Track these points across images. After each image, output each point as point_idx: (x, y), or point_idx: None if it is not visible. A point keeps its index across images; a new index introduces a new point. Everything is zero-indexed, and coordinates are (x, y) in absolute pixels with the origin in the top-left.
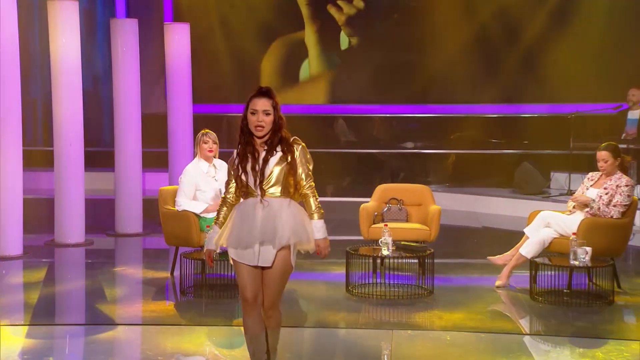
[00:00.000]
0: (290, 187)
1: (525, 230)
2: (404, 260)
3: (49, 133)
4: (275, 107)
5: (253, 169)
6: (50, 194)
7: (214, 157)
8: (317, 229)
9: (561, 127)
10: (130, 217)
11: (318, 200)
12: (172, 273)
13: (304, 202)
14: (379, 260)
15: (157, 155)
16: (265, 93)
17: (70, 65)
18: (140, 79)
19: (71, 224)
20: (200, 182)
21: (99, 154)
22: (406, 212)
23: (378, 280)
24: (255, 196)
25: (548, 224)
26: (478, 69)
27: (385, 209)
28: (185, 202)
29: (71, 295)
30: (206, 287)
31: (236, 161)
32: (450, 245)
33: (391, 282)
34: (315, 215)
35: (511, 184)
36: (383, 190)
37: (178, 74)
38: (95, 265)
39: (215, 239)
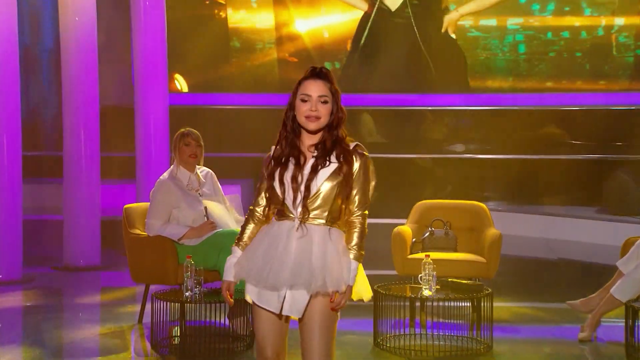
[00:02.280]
0: (338, 212)
1: (618, 264)
2: (452, 304)
3: None
4: (334, 95)
5: (294, 180)
6: None
7: (198, 165)
8: (346, 269)
9: None
10: (84, 245)
11: (365, 235)
12: (140, 320)
13: (346, 232)
14: (418, 304)
15: (121, 162)
16: (323, 75)
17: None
18: (99, 60)
19: (2, 255)
20: (180, 199)
21: (42, 160)
22: (455, 238)
23: (417, 331)
24: (291, 219)
25: None
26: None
27: (427, 233)
28: (159, 226)
29: None
30: (188, 339)
31: (271, 164)
32: (515, 284)
33: (435, 332)
34: (352, 253)
35: (599, 202)
36: (424, 208)
37: (149, 52)
38: (32, 311)
39: (235, 269)
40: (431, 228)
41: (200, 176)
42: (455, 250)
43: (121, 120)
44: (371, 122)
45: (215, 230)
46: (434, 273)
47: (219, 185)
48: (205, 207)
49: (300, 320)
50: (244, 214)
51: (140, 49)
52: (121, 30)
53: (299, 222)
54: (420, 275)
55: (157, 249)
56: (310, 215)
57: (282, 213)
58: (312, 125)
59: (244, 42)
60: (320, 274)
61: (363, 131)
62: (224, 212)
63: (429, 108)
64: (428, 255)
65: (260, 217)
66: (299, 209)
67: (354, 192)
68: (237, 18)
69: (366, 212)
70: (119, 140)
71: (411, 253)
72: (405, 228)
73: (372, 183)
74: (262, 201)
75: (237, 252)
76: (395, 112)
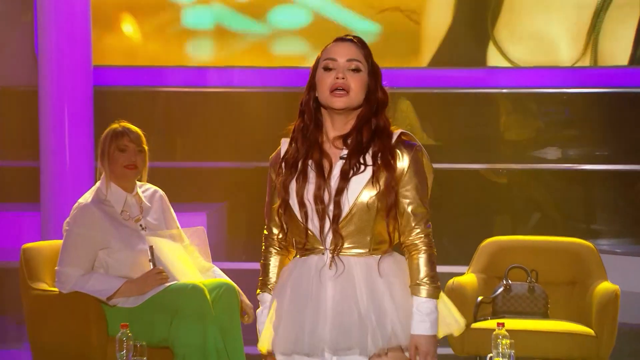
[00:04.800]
0: (387, 234)
1: None
2: None
3: None
4: (372, 66)
5: (319, 199)
6: None
7: (139, 181)
8: (420, 314)
9: None
10: None
11: (435, 260)
12: None
13: (406, 259)
14: None
15: (17, 176)
16: (352, 38)
17: None
18: None
19: None
20: (110, 234)
21: None
22: (545, 297)
23: None
24: (319, 252)
25: None
26: None
27: (501, 289)
28: (78, 277)
29: None
30: None
31: (282, 169)
32: None
33: None
34: (423, 290)
35: None
36: (495, 249)
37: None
38: None
39: (263, 333)
40: (507, 281)
41: (143, 198)
42: (546, 317)
43: (19, 109)
44: (411, 113)
45: (166, 284)
46: (512, 352)
47: (173, 212)
48: (151, 247)
49: None
50: (212, 257)
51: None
52: None
53: (330, 255)
54: (489, 356)
55: (75, 314)
56: (346, 244)
57: (306, 245)
58: (338, 102)
59: None
60: (378, 327)
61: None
62: (180, 255)
63: (504, 90)
64: (502, 324)
65: (278, 248)
66: (329, 237)
67: (406, 202)
68: None
69: (429, 225)
70: (15, 141)
71: (475, 320)
72: (467, 280)
73: (428, 186)
74: (275, 227)
75: (267, 299)
76: (449, 96)
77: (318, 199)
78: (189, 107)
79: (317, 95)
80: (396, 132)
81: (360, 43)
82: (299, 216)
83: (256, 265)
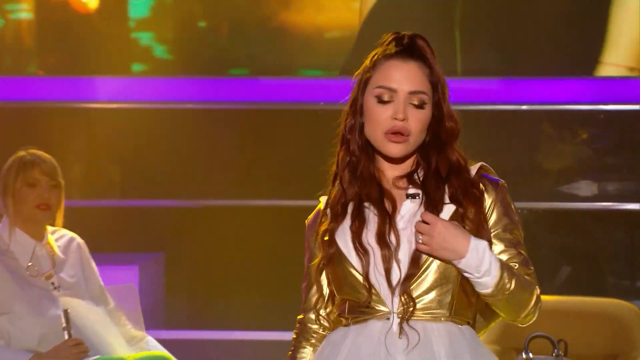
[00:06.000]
0: (472, 296)
1: None
2: None
3: None
4: (439, 89)
5: (383, 240)
6: None
7: (52, 225)
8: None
9: None
10: None
11: (532, 287)
12: None
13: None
14: None
15: None
16: (417, 50)
17: None
18: None
19: None
20: (13, 294)
21: None
22: None
23: None
24: (382, 316)
25: None
26: None
27: None
28: None
29: None
30: None
31: (326, 228)
32: None
33: None
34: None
35: None
36: None
37: None
38: None
39: None
40: (527, 354)
41: (56, 248)
42: None
43: None
44: None
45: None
46: None
47: (94, 266)
48: (66, 312)
49: None
50: (145, 324)
51: None
52: None
53: (399, 320)
54: None
55: None
56: (419, 306)
57: (361, 307)
58: (394, 149)
59: None
60: None
61: None
62: (104, 321)
63: (523, 107)
64: None
65: (321, 333)
66: (397, 296)
67: (500, 246)
68: None
69: (532, 269)
70: None
71: None
72: None
73: (519, 230)
74: (320, 303)
75: None
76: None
77: (382, 240)
78: (118, 129)
79: (364, 122)
80: (475, 166)
81: (425, 58)
82: (356, 266)
83: (201, 334)
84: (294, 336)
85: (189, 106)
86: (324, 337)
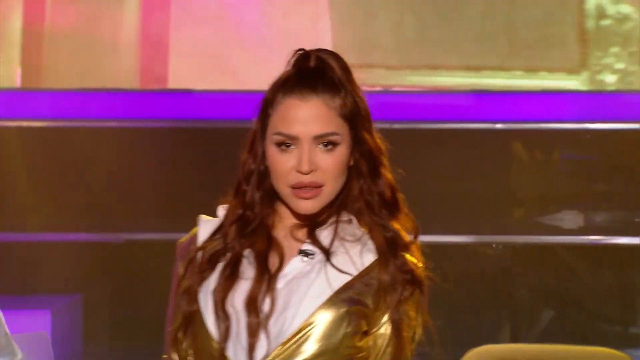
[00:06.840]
0: None
1: None
2: None
3: None
4: (354, 119)
5: (252, 305)
6: None
7: None
8: None
9: None
10: None
11: None
12: None
13: None
14: None
15: None
16: (321, 78)
17: None
18: None
19: None
20: None
21: None
22: None
23: None
24: None
25: None
26: None
27: None
28: None
29: None
30: None
31: (196, 260)
32: None
33: None
34: None
35: None
36: None
37: None
38: None
39: None
40: None
41: None
42: None
43: None
44: None
45: None
46: None
47: None
48: None
49: None
50: None
51: None
52: None
53: None
54: None
55: None
56: None
57: None
58: (304, 207)
59: None
60: None
61: None
62: None
63: (497, 126)
64: None
65: None
66: None
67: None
68: None
69: None
70: None
71: None
72: None
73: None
74: (175, 351)
75: None
76: (410, 133)
77: (252, 307)
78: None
79: (267, 166)
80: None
81: (334, 86)
82: (212, 334)
83: None
84: None
85: (99, 124)
86: None
